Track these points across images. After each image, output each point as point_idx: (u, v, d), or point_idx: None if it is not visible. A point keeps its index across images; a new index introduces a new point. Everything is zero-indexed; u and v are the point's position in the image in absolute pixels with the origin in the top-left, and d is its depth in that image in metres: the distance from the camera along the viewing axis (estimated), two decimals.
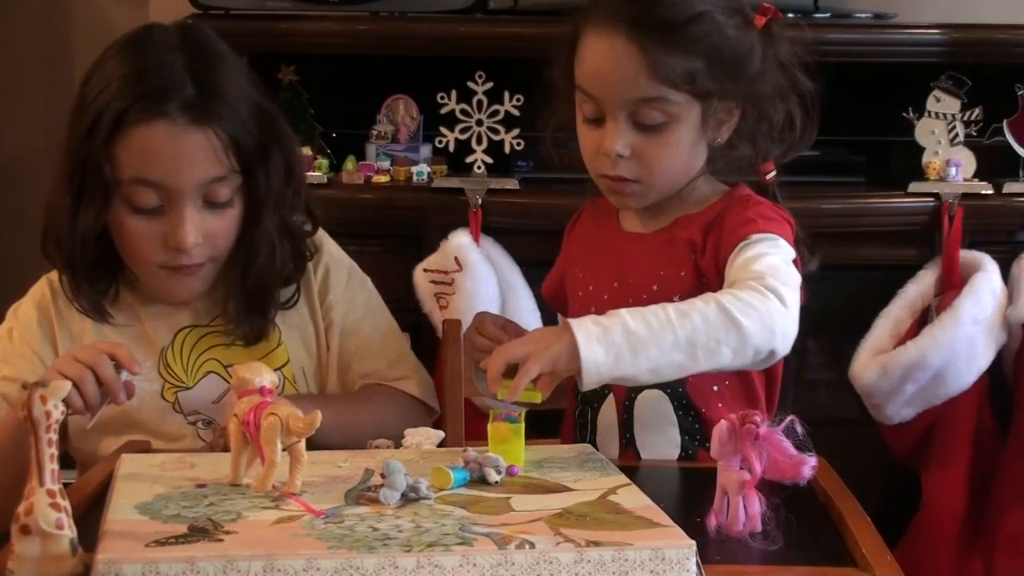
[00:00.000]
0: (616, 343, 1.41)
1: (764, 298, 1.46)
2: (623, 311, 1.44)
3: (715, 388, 1.60)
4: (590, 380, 1.42)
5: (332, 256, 1.80)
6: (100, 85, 1.62)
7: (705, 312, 1.44)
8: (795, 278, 1.53)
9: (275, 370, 1.69)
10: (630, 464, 1.55)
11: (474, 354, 1.69)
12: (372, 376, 1.77)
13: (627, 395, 1.63)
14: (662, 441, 1.63)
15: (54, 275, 1.72)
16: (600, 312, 1.65)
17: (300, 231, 1.75)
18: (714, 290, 1.52)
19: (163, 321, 1.71)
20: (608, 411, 1.65)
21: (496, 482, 1.30)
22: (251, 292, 1.70)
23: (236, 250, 1.69)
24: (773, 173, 1.69)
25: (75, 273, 1.67)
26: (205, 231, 1.63)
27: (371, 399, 1.75)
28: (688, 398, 1.60)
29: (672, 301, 1.57)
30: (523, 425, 1.40)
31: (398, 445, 1.52)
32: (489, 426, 1.40)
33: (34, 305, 1.72)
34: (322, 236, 1.79)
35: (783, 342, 1.47)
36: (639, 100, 1.58)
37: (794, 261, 1.57)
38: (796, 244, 1.64)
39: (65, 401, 1.11)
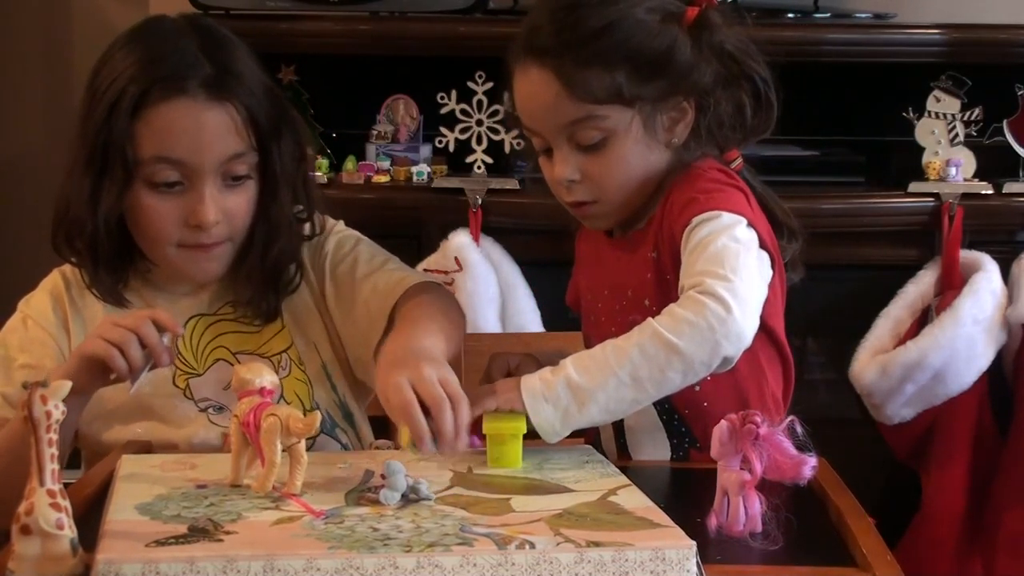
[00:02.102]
0: (561, 398, 1.41)
1: (701, 308, 1.42)
2: (569, 361, 1.43)
3: (697, 388, 1.58)
4: (547, 437, 1.42)
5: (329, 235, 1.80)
6: (114, 73, 1.63)
7: (641, 343, 1.42)
8: (744, 256, 1.48)
9: (279, 353, 1.72)
10: (630, 464, 1.55)
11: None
12: (402, 280, 1.72)
13: None
14: (652, 445, 1.62)
15: (67, 268, 1.74)
16: (599, 321, 1.66)
17: (301, 215, 1.76)
18: (675, 286, 1.52)
19: (173, 310, 1.71)
20: None
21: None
22: (271, 270, 1.71)
23: (255, 229, 1.70)
24: (739, 161, 1.67)
25: (95, 259, 1.67)
26: (224, 209, 1.64)
27: (435, 301, 1.69)
28: (670, 402, 1.59)
29: (644, 305, 1.57)
30: (523, 424, 1.39)
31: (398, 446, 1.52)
32: (484, 425, 1.39)
33: (47, 294, 1.73)
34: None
35: (734, 345, 1.43)
36: (570, 124, 1.57)
37: (752, 225, 1.54)
38: (779, 229, 1.63)
39: (109, 368, 1.13)
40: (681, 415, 1.60)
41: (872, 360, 2.39)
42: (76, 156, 1.65)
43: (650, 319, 1.44)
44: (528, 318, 2.41)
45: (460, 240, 2.40)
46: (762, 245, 1.55)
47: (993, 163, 2.49)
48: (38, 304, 1.73)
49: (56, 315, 1.72)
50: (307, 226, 1.76)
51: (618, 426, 1.64)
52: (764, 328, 1.58)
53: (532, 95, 1.59)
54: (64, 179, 1.68)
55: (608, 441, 1.66)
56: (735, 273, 1.45)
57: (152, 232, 1.65)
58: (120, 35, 1.69)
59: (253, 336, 1.73)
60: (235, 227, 1.67)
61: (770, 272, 1.56)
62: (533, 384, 1.42)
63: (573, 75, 1.55)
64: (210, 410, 1.71)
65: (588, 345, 1.72)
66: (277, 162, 1.68)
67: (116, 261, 1.69)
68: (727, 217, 1.52)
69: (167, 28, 1.68)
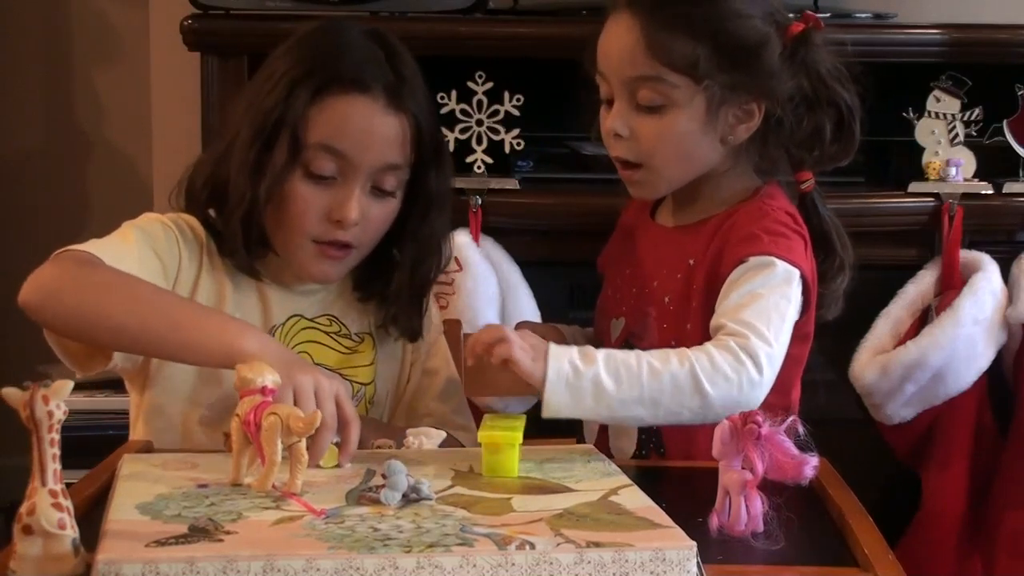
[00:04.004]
0: (583, 389, 1.42)
1: (739, 366, 1.45)
2: (601, 355, 1.44)
3: None
4: (548, 414, 1.43)
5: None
6: (297, 57, 1.66)
7: (676, 375, 1.44)
8: (788, 318, 1.51)
9: (358, 384, 1.73)
10: (632, 464, 1.55)
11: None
12: (438, 416, 1.79)
13: None
14: (624, 438, 1.63)
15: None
16: (614, 297, 1.66)
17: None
18: (699, 301, 1.52)
19: (281, 303, 1.73)
20: None
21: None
22: (419, 290, 1.76)
23: (404, 247, 1.73)
24: (810, 182, 1.67)
25: (247, 229, 1.66)
26: (365, 214, 1.66)
27: None
28: None
29: (663, 302, 1.57)
30: (519, 434, 1.38)
31: (399, 445, 1.52)
32: (480, 434, 1.38)
33: (187, 223, 1.71)
34: None
35: (748, 407, 1.44)
36: (637, 78, 1.58)
37: (804, 277, 1.55)
38: (831, 261, 1.64)
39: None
40: None
41: (872, 360, 2.38)
42: (243, 127, 1.65)
43: (688, 352, 1.45)
44: (528, 318, 2.41)
45: (460, 240, 2.40)
46: (804, 291, 1.56)
47: (993, 163, 2.48)
48: (178, 222, 1.70)
49: (196, 244, 1.70)
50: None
51: None
52: (781, 388, 1.58)
53: (613, 39, 1.61)
54: (211, 151, 1.71)
55: (590, 425, 1.67)
56: (776, 340, 1.49)
57: (295, 219, 1.66)
58: (305, 29, 1.73)
59: (341, 356, 1.74)
60: (367, 236, 1.68)
61: (797, 318, 1.57)
62: (563, 365, 1.42)
63: (657, 32, 1.57)
64: None
65: (599, 316, 1.73)
66: (433, 184, 1.71)
67: (256, 237, 1.69)
68: (782, 269, 1.53)
69: (354, 31, 1.71)
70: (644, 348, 1.64)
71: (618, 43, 1.59)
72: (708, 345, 1.46)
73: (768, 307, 1.50)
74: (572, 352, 1.44)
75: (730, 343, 1.46)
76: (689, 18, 1.57)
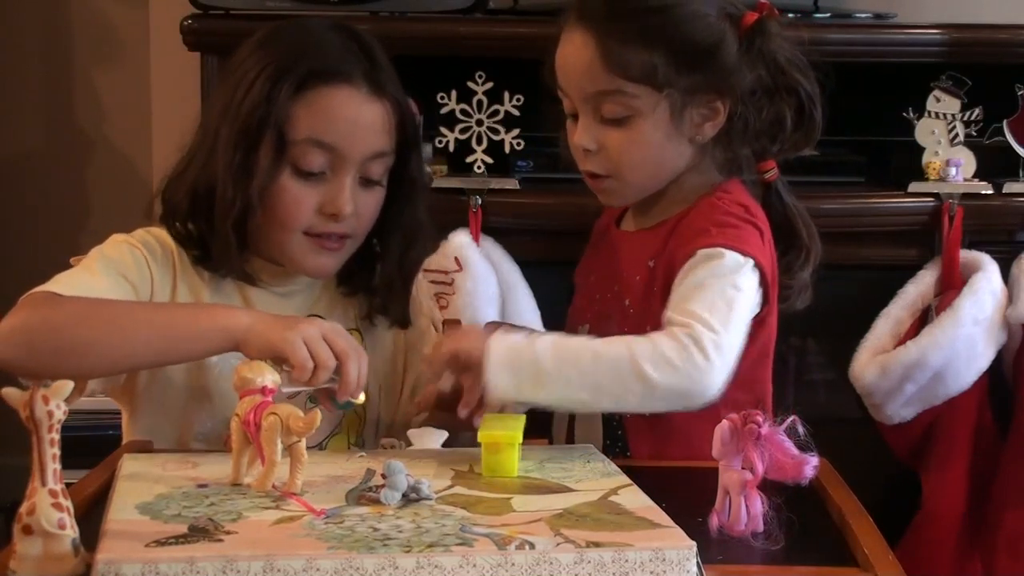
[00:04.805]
0: (523, 371, 1.42)
1: (683, 352, 1.43)
2: (548, 338, 1.45)
3: None
4: (492, 401, 1.43)
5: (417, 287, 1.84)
6: (268, 56, 1.64)
7: (619, 361, 1.42)
8: (738, 307, 1.49)
9: None
10: (632, 464, 1.55)
11: None
12: None
13: None
14: (589, 436, 1.63)
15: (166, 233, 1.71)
16: (586, 301, 1.66)
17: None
18: (659, 303, 1.52)
19: (266, 306, 1.70)
20: None
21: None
22: (407, 277, 1.75)
23: (391, 236, 1.73)
24: (773, 171, 1.67)
25: (239, 234, 1.65)
26: (357, 204, 1.65)
27: None
28: None
29: (624, 305, 1.57)
30: (519, 433, 1.38)
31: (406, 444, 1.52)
32: (480, 434, 1.37)
33: (158, 241, 1.69)
34: None
35: (700, 399, 1.45)
36: (598, 93, 1.58)
37: (759, 266, 1.54)
38: (798, 251, 1.63)
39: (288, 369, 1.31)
40: (621, 416, 1.60)
41: (872, 360, 2.39)
42: (224, 131, 1.63)
43: (633, 341, 1.45)
44: (528, 318, 2.41)
45: (460, 240, 2.40)
46: (762, 283, 1.55)
47: (993, 163, 2.48)
48: (142, 237, 1.69)
49: (167, 260, 1.68)
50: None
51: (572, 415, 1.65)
52: (747, 384, 1.58)
53: (570, 56, 1.60)
54: (188, 157, 1.69)
55: (560, 422, 1.67)
56: (725, 327, 1.46)
57: (286, 216, 1.65)
58: (267, 28, 1.70)
59: None
60: (360, 225, 1.68)
61: (758, 310, 1.56)
62: (501, 349, 1.42)
63: (612, 46, 1.56)
64: None
65: (568, 325, 1.73)
66: (415, 169, 1.71)
67: (243, 240, 1.67)
68: (731, 259, 1.52)
69: (320, 25, 1.71)
70: None
71: (575, 60, 1.59)
72: (652, 334, 1.46)
73: (713, 296, 1.48)
74: (517, 336, 1.45)
75: (673, 330, 1.45)
76: (642, 28, 1.56)
